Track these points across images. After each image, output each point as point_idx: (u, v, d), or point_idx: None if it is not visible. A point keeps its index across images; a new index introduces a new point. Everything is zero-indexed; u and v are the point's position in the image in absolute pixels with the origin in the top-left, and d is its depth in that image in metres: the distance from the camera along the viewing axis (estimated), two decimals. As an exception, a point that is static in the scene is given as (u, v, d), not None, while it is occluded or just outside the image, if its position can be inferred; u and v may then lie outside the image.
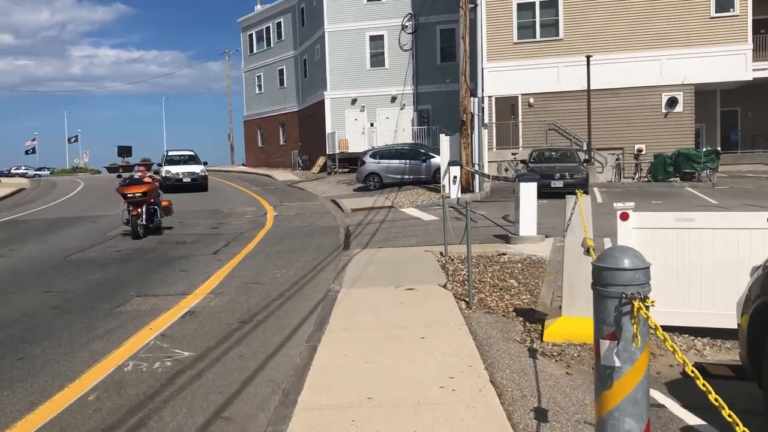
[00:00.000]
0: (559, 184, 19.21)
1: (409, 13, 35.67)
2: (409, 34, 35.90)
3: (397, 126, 36.06)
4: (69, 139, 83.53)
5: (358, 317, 6.97)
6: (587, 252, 5.14)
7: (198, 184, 28.74)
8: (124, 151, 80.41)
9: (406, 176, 25.99)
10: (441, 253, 10.76)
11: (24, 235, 16.29)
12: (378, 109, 36.63)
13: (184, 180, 28.55)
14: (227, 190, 29.74)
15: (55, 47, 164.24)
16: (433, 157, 25.78)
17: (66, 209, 23.50)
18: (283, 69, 45.86)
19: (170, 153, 32.37)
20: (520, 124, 27.96)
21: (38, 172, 71.97)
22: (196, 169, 29.44)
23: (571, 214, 6.51)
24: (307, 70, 41.86)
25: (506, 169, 25.89)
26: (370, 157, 26.57)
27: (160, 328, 7.15)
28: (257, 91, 49.35)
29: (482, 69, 27.32)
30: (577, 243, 6.20)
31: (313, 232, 15.46)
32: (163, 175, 27.10)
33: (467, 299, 7.59)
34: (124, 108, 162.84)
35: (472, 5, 22.71)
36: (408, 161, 26.05)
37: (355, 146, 35.19)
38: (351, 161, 34.36)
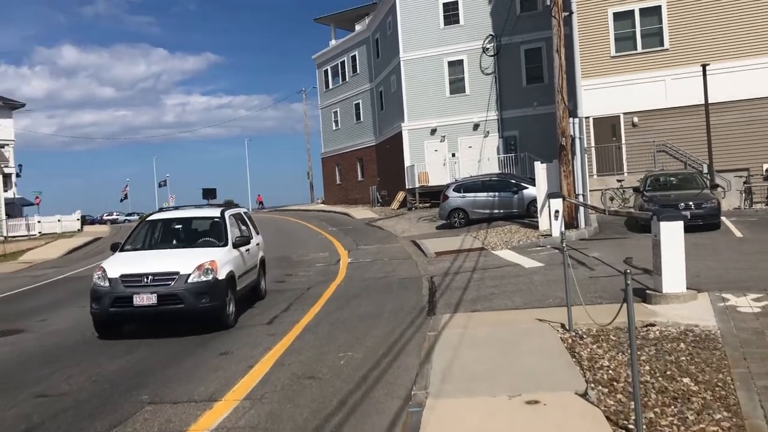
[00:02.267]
0: (685, 215, 15.87)
1: (490, 35, 33.10)
2: (491, 56, 33.27)
3: (481, 155, 33.29)
4: (158, 184, 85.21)
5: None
6: None
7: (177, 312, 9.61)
8: (209, 193, 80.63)
9: (496, 211, 23.13)
10: (563, 325, 7.91)
11: (66, 299, 14.48)
12: (460, 138, 34.02)
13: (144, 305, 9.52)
14: (301, 232, 27.70)
15: (150, 97, 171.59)
16: (526, 187, 22.85)
17: (129, 261, 21.94)
18: (359, 103, 44.10)
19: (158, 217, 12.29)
20: (624, 147, 24.62)
21: (128, 218, 73.31)
22: (190, 264, 9.81)
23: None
24: (383, 102, 39.87)
25: (611, 198, 22.62)
26: (453, 190, 23.91)
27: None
28: (334, 127, 47.80)
29: (579, 87, 24.29)
30: None
31: (390, 286, 12.88)
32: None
33: (629, 426, 4.77)
34: (211, 152, 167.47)
35: (567, 13, 19.88)
36: (497, 194, 23.20)
37: (437, 179, 32.62)
38: (432, 195, 31.84)
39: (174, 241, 11.48)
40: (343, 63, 45.72)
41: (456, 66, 33.96)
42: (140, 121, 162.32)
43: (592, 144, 24.54)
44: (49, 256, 26.04)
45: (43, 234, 39.21)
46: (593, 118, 24.63)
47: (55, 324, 11.35)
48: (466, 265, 14.72)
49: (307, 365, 7.45)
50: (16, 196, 62.19)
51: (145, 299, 9.30)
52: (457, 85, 34.14)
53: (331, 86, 47.73)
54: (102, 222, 69.11)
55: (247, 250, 11.48)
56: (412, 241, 20.63)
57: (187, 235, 11.63)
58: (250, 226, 12.83)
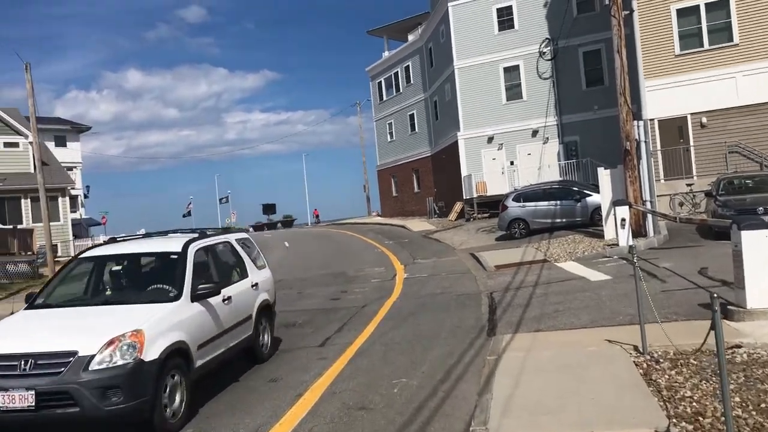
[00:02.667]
0: (765, 219, 14.77)
1: (547, 38, 32.23)
2: (548, 60, 32.39)
3: (540, 162, 32.36)
4: (220, 200, 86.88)
5: None
6: None
7: (69, 419, 5.96)
8: (268, 209, 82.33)
9: (558, 220, 22.28)
10: (636, 348, 7.23)
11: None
12: (518, 146, 33.19)
13: (14, 408, 5.87)
14: (357, 246, 27.38)
15: (212, 116, 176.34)
16: (589, 195, 21.94)
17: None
18: (413, 113, 43.73)
19: (93, 254, 8.31)
20: (692, 149, 23.41)
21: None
22: (98, 338, 6.16)
23: None
24: (438, 111, 39.36)
25: (681, 204, 21.47)
26: (512, 200, 23.18)
27: None
28: (389, 139, 47.54)
29: (642, 88, 23.25)
30: None
31: (448, 303, 12.33)
32: None
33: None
34: (271, 167, 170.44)
35: (627, 12, 18.99)
36: (558, 202, 22.35)
37: (495, 188, 31.87)
38: (491, 205, 31.11)
39: (108, 291, 7.93)
40: (396, 74, 45.47)
41: (512, 72, 33.20)
42: (203, 139, 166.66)
43: (658, 147, 23.43)
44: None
45: (109, 253, 40.10)
46: (658, 120, 23.52)
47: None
48: (527, 279, 14.05)
49: (359, 393, 6.99)
50: (84, 216, 64.35)
51: (16, 399, 5.73)
52: (513, 91, 33.35)
53: (385, 98, 47.54)
54: (166, 239, 70.63)
55: (227, 299, 7.89)
56: (471, 253, 20.01)
57: (130, 281, 8.07)
58: (248, 261, 9.27)
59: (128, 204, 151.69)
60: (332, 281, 17.43)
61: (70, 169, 65.14)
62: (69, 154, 64.18)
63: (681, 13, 23.56)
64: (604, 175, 18.44)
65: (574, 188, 22.84)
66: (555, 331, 8.97)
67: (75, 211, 64.65)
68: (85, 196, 65.96)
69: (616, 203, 17.14)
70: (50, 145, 62.59)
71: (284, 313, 12.95)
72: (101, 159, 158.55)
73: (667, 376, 6.20)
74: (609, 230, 18.15)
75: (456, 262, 18.77)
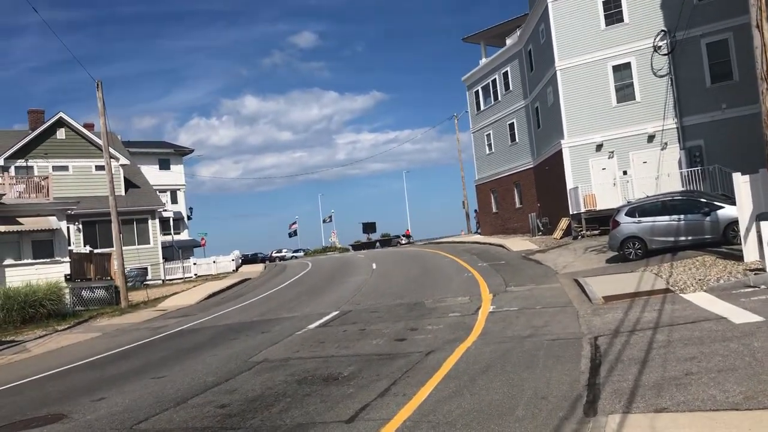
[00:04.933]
0: None
1: (662, 31, 28.37)
2: (664, 55, 28.48)
3: (658, 171, 28.38)
4: (323, 220, 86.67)
5: None
6: None
7: None
8: (368, 227, 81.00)
9: (682, 238, 18.61)
10: None
11: (148, 365, 12.48)
12: (631, 153, 29.34)
13: None
14: (448, 269, 24.58)
15: (323, 138, 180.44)
16: (720, 207, 18.18)
17: (256, 309, 20.16)
18: (513, 122, 40.52)
19: None
20: None
21: (295, 254, 74.75)
22: None
23: None
24: (539, 119, 36.01)
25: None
26: (626, 214, 19.71)
27: None
28: (487, 151, 44.46)
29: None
30: None
31: (536, 352, 9.36)
32: None
33: None
34: (374, 186, 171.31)
35: (767, -22, 15.29)
36: (682, 216, 18.67)
37: (605, 202, 28.21)
38: (601, 221, 27.49)
39: None
40: (494, 81, 42.47)
41: (622, 70, 29.48)
42: (315, 160, 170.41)
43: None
44: (187, 302, 25.12)
45: (199, 276, 39.47)
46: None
47: (107, 406, 9.12)
48: (644, 317, 10.82)
49: None
50: (188, 237, 65.18)
51: None
52: (624, 92, 29.60)
53: (482, 107, 44.58)
54: (271, 259, 70.77)
55: None
56: (575, 279, 16.78)
57: None
58: None
59: (237, 225, 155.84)
60: (405, 314, 14.80)
61: (163, 191, 66.54)
62: (172, 176, 65.37)
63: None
64: (741, 182, 14.77)
65: (702, 199, 19.06)
66: (687, 413, 5.93)
67: (178, 233, 65.81)
68: (188, 218, 66.88)
69: (760, 217, 13.50)
70: (154, 168, 64.20)
71: (333, 359, 10.52)
72: (219, 182, 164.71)
73: None
74: (750, 251, 14.48)
75: (556, 292, 15.63)
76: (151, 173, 62.71)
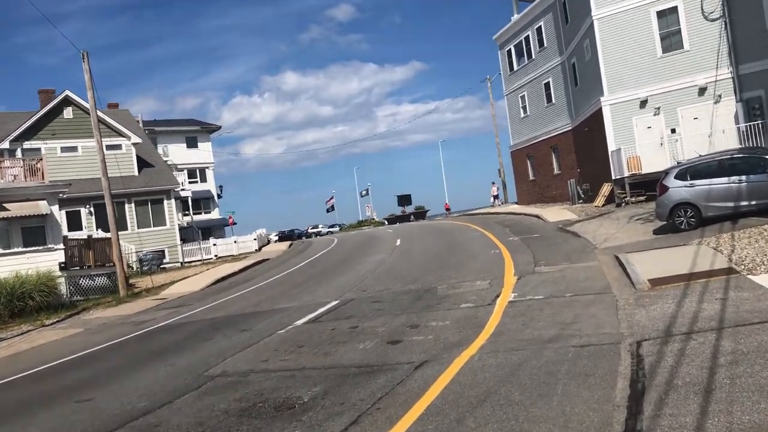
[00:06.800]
0: None
1: (713, -33, 25.02)
2: (717, -5, 25.15)
3: (711, 128, 25.25)
4: (360, 194, 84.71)
5: None
6: None
7: None
8: (404, 200, 78.51)
9: (743, 203, 15.78)
10: None
11: (104, 374, 10.47)
12: (679, 109, 26.23)
13: None
14: (474, 244, 22.10)
15: (364, 111, 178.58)
16: (791, 165, 15.28)
17: (255, 297, 18.14)
18: (549, 82, 37.40)
19: None
20: None
21: (330, 229, 73.26)
22: None
23: None
24: (577, 76, 32.90)
25: None
26: (675, 177, 16.92)
27: None
28: (522, 115, 41.43)
29: None
30: None
31: (556, 369, 6.93)
32: None
33: None
34: (413, 157, 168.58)
35: None
36: (743, 177, 15.81)
37: (651, 164, 25.26)
38: (647, 185, 24.64)
39: None
40: (527, 38, 39.28)
41: (668, 16, 26.24)
42: (356, 134, 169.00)
43: None
44: (192, 288, 23.24)
45: (219, 257, 37.76)
46: None
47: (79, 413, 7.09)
48: (703, 311, 8.29)
49: None
50: (218, 216, 63.86)
51: None
52: (671, 41, 26.39)
53: (516, 68, 41.47)
54: (307, 235, 69.35)
55: None
56: (616, 256, 14.17)
57: None
58: None
59: (279, 201, 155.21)
60: (410, 305, 12.50)
61: (203, 170, 65.06)
62: (201, 155, 63.94)
63: None
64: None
65: (767, 156, 16.13)
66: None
67: (209, 212, 64.54)
68: (219, 196, 65.49)
69: None
70: (181, 147, 62.82)
71: (301, 373, 8.36)
72: (263, 159, 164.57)
73: None
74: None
75: (592, 272, 13.09)
76: (179, 152, 61.37)
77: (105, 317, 18.92)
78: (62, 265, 21.95)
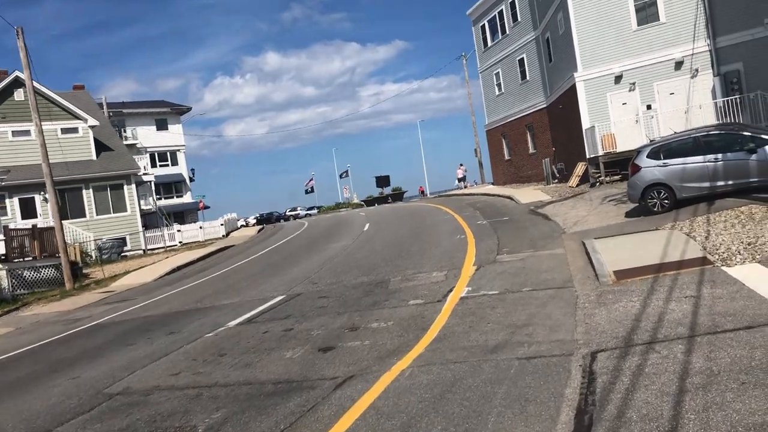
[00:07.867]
0: None
1: (690, -65, 23.84)
2: (693, -36, 24.01)
3: (688, 103, 24.26)
4: (339, 175, 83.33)
5: None
6: None
7: None
8: (382, 181, 77.15)
9: (720, 183, 14.76)
10: None
11: (38, 373, 9.20)
12: (656, 84, 25.19)
13: None
14: (439, 230, 20.99)
15: (347, 91, 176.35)
16: (769, 142, 14.26)
17: (200, 291, 16.95)
18: (523, 58, 36.18)
19: None
20: None
21: (309, 212, 72.01)
22: None
23: None
24: (551, 51, 31.71)
25: None
26: (648, 157, 15.86)
27: None
28: (496, 93, 40.23)
29: None
30: None
31: (494, 389, 5.82)
32: None
33: None
34: (397, 138, 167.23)
35: None
36: (720, 156, 14.78)
37: (627, 142, 24.27)
38: (622, 164, 23.69)
39: None
40: (501, 13, 37.97)
41: (643, -14, 25.08)
42: (338, 114, 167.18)
43: None
44: (144, 279, 21.97)
45: (184, 244, 36.35)
46: None
47: None
48: (671, 312, 7.22)
49: None
50: (190, 200, 62.25)
51: None
52: (646, 12, 25.27)
53: (489, 44, 40.18)
54: (285, 218, 68.14)
55: None
56: (583, 243, 13.11)
57: None
58: None
59: (261, 183, 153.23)
60: (356, 301, 11.37)
61: (174, 153, 63.25)
62: (171, 137, 62.19)
63: None
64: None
65: (745, 133, 15.09)
66: None
67: (181, 196, 62.92)
68: (191, 179, 63.88)
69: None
70: (151, 129, 60.93)
71: (210, 392, 7.23)
72: (245, 140, 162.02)
73: None
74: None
75: (556, 261, 12.02)
76: (148, 135, 59.54)
77: (43, 314, 17.62)
78: (2, 257, 20.57)
